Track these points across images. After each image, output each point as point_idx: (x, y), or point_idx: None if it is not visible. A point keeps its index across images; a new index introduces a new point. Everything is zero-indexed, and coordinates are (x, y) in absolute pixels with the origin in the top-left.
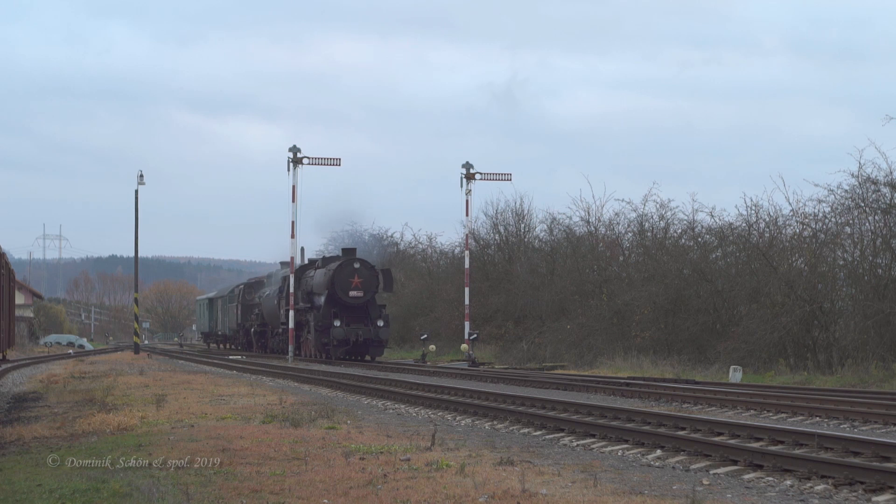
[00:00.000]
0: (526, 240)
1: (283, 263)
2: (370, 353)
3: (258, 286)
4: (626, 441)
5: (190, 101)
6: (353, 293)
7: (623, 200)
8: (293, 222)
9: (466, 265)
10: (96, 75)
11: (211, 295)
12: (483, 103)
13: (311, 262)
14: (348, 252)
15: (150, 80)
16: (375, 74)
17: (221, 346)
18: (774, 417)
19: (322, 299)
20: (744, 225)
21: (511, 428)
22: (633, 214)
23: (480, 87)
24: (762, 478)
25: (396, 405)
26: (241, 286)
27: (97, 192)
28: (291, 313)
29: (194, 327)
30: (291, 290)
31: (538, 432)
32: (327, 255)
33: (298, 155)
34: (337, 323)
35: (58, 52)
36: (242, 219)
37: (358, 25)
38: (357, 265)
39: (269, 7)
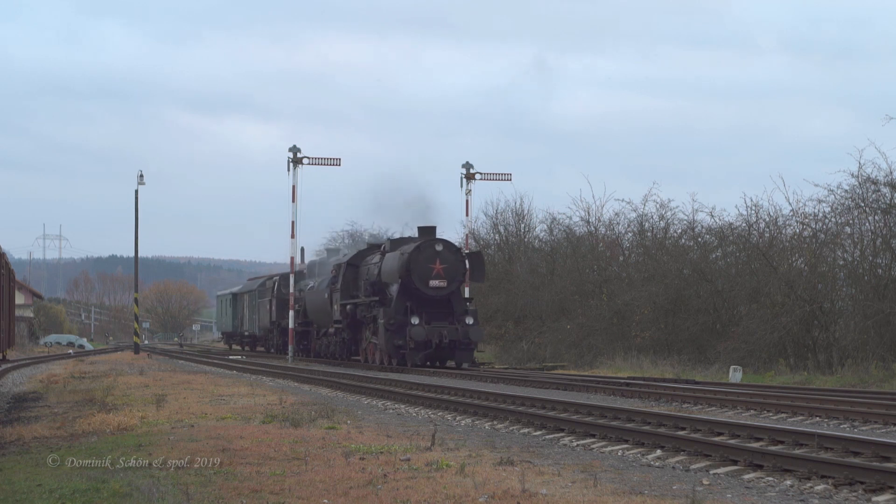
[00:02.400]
0: (526, 240)
1: (329, 250)
2: (456, 359)
3: (298, 277)
4: (626, 441)
5: (187, 100)
6: (434, 283)
7: (623, 200)
8: (293, 222)
9: (467, 265)
10: (92, 75)
11: (235, 290)
12: (482, 103)
13: (372, 245)
14: (426, 231)
15: (146, 79)
16: (373, 74)
17: (247, 348)
18: (774, 417)
19: (394, 291)
20: (744, 225)
21: (511, 428)
22: (633, 214)
23: (479, 87)
24: (762, 478)
25: (396, 405)
26: (276, 278)
27: (97, 192)
28: (291, 313)
29: (195, 327)
30: (291, 290)
31: (538, 432)
32: (396, 237)
33: (298, 155)
34: (415, 320)
35: (53, 51)
36: (242, 219)
37: (355, 25)
38: (439, 247)
39: (265, 7)
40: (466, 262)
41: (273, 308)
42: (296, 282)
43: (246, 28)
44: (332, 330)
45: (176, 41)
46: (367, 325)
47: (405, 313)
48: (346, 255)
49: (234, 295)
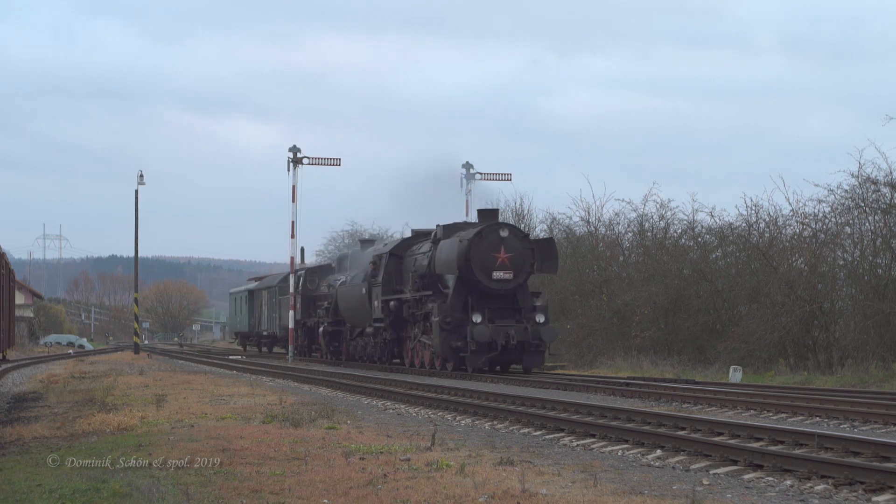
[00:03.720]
0: None
1: (363, 241)
2: (524, 363)
3: (325, 272)
4: (626, 441)
5: (184, 99)
6: (498, 274)
7: (623, 200)
8: (293, 222)
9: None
10: (88, 74)
11: (251, 286)
12: (481, 103)
13: (418, 233)
14: (487, 215)
15: (144, 79)
16: (371, 73)
17: (265, 349)
18: (774, 417)
19: (450, 284)
20: (744, 225)
21: (511, 428)
22: (633, 214)
23: (478, 87)
24: (762, 478)
25: (396, 405)
26: (301, 272)
27: (97, 192)
28: (291, 313)
29: (195, 327)
30: (291, 289)
31: (538, 432)
32: (449, 224)
33: (298, 155)
34: (477, 318)
35: (50, 51)
36: (242, 219)
37: (353, 25)
38: (504, 233)
39: (263, 6)
40: (536, 250)
41: (298, 305)
42: (322, 277)
43: (243, 27)
44: (369, 329)
45: (173, 41)
46: (414, 324)
47: (464, 310)
48: (386, 245)
49: (251, 292)
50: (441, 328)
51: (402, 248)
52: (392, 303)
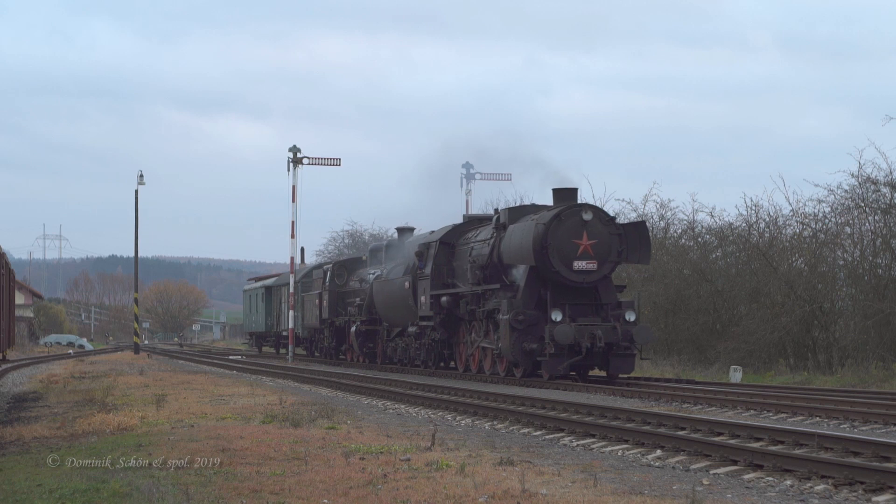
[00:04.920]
0: None
1: (401, 230)
2: (611, 368)
3: (355, 265)
4: (626, 441)
5: (178, 99)
6: (580, 264)
7: (623, 200)
8: (293, 222)
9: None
10: (82, 73)
11: (269, 282)
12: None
13: (470, 218)
14: (564, 195)
15: (137, 78)
16: (365, 72)
17: (284, 350)
18: (774, 417)
19: (520, 276)
20: (744, 225)
21: (511, 428)
22: (633, 214)
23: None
24: (762, 478)
25: (396, 405)
26: (329, 266)
27: (96, 192)
28: (291, 313)
29: (195, 327)
30: (291, 290)
31: (538, 432)
32: (515, 206)
33: (298, 155)
34: (557, 316)
35: (42, 49)
36: (241, 219)
37: (346, 23)
38: (588, 216)
39: (255, 4)
40: (623, 236)
41: (325, 303)
42: (352, 271)
43: (238, 26)
44: (412, 329)
45: (168, 40)
46: (470, 323)
47: (537, 306)
48: (434, 233)
49: (268, 288)
50: (512, 328)
51: (454, 236)
52: (444, 298)
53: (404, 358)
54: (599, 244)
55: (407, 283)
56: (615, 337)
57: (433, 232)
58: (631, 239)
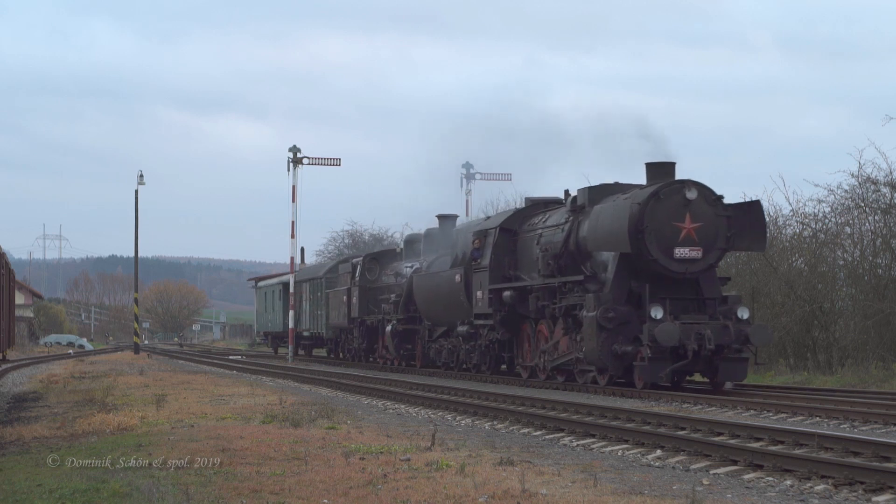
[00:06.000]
0: None
1: (443, 217)
2: (721, 375)
3: (388, 258)
4: (626, 441)
5: (178, 99)
6: (681, 252)
7: None
8: (293, 222)
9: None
10: (82, 73)
11: (286, 278)
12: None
13: (534, 202)
14: (660, 171)
15: (136, 78)
16: (365, 72)
17: (303, 352)
18: (774, 417)
19: (607, 265)
20: None
21: (511, 428)
22: None
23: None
24: (762, 478)
25: (396, 405)
26: (359, 260)
27: (96, 192)
28: (291, 313)
29: (195, 327)
30: (292, 290)
31: (538, 432)
32: (596, 185)
33: (298, 155)
34: (657, 313)
35: (42, 49)
36: (241, 219)
37: (345, 23)
38: (692, 194)
39: (254, 4)
40: (730, 219)
41: (354, 300)
42: (385, 264)
43: (237, 26)
44: (463, 329)
45: (166, 39)
46: (537, 322)
47: (628, 301)
48: (491, 219)
49: (286, 285)
50: (600, 327)
51: (516, 222)
52: (507, 293)
53: (450, 361)
54: (704, 228)
55: (458, 277)
56: (727, 338)
57: (489, 217)
58: (740, 222)
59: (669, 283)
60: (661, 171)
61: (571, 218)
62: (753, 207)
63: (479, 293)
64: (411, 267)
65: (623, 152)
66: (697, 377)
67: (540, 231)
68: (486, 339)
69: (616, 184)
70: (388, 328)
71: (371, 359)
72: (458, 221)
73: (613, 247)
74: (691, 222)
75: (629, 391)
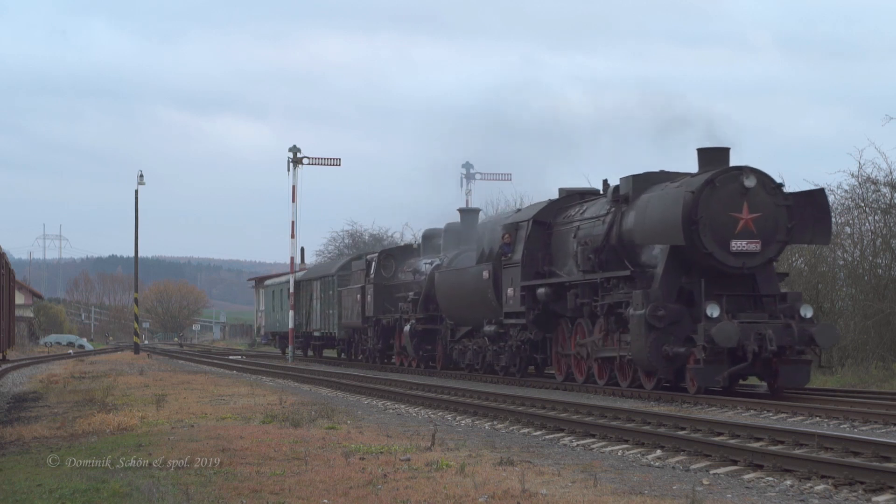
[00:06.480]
0: None
1: (463, 211)
2: (782, 378)
3: (404, 254)
4: (626, 441)
5: (178, 99)
6: (738, 244)
7: None
8: (293, 222)
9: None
10: (82, 73)
11: (297, 275)
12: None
13: (568, 192)
14: (714, 157)
15: (136, 78)
16: (364, 72)
17: (313, 353)
18: (774, 417)
19: (656, 260)
20: None
21: (511, 428)
22: None
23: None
24: (762, 478)
25: (396, 405)
26: (374, 256)
27: (96, 192)
28: (291, 313)
29: (195, 327)
30: (292, 289)
31: (538, 432)
32: (640, 173)
33: (298, 155)
34: (714, 311)
35: (41, 49)
36: (241, 219)
37: (345, 23)
38: (750, 181)
39: (254, 4)
40: (790, 208)
41: (369, 298)
42: (402, 261)
43: (236, 26)
44: (490, 328)
45: (166, 39)
46: (579, 322)
47: (678, 298)
48: (520, 211)
49: (297, 283)
50: (649, 326)
51: (550, 214)
52: (541, 290)
53: (475, 363)
54: (764, 219)
55: (486, 273)
56: (789, 339)
57: (520, 210)
58: (802, 212)
59: (724, 278)
60: (714, 157)
61: (613, 209)
62: (816, 196)
63: (509, 290)
64: (430, 263)
65: (660, 144)
66: (752, 380)
67: (577, 223)
68: (516, 340)
69: (662, 172)
70: (407, 328)
71: (388, 360)
72: (432, 227)
73: (664, 239)
74: (749, 212)
75: (628, 392)
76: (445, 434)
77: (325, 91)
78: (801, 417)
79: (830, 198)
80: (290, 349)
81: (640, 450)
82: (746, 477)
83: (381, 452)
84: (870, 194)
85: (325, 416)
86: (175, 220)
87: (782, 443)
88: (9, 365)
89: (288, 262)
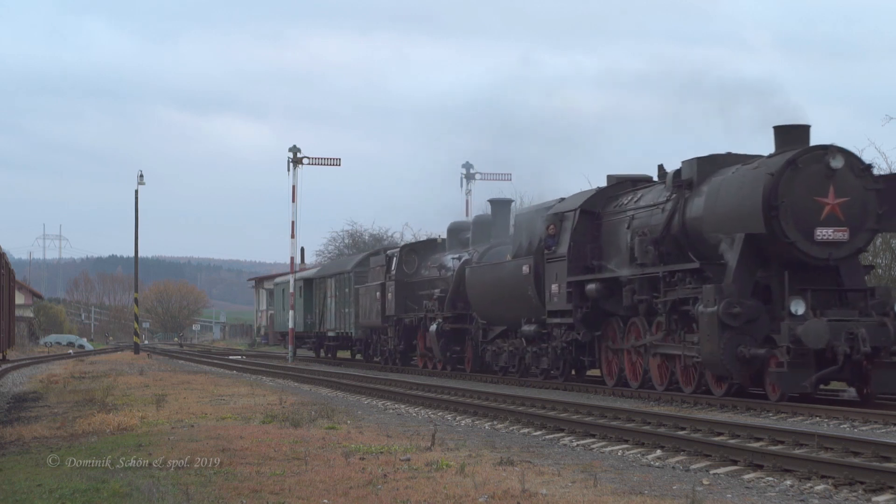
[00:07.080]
0: None
1: (494, 202)
2: (874, 384)
3: (428, 249)
4: (626, 441)
5: (178, 99)
6: (824, 233)
7: None
8: (293, 222)
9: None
10: (82, 73)
11: (308, 273)
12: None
13: (619, 179)
14: (791, 135)
15: (136, 78)
16: (362, 72)
17: (329, 354)
18: (774, 417)
19: (728, 250)
20: None
21: (511, 428)
22: None
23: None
24: (762, 478)
25: (396, 405)
26: (395, 251)
27: (96, 192)
28: (291, 313)
29: (195, 327)
30: (291, 290)
31: (538, 432)
32: (706, 156)
33: (298, 155)
34: (798, 308)
35: (41, 49)
36: (241, 219)
37: (343, 22)
38: (837, 162)
39: (252, 4)
40: (880, 192)
41: (389, 296)
42: (425, 256)
43: (235, 26)
44: (530, 328)
45: (165, 39)
46: (634, 321)
47: (756, 294)
48: (564, 200)
49: (308, 281)
50: (722, 325)
51: (599, 203)
52: (591, 286)
53: (511, 365)
54: (851, 204)
55: (525, 267)
56: (885, 339)
57: (563, 199)
58: (892, 197)
59: (805, 271)
60: (793, 136)
61: (675, 195)
62: None
63: (553, 286)
64: (458, 258)
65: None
66: (833, 385)
67: (631, 212)
68: (561, 341)
69: (729, 154)
70: (433, 327)
71: (411, 362)
72: (459, 220)
73: (742, 226)
74: (836, 197)
75: (628, 392)
76: (445, 434)
77: (325, 91)
78: (801, 417)
79: None
80: (290, 349)
81: (640, 450)
82: (746, 477)
83: (381, 452)
84: None
85: (325, 416)
86: (175, 220)
87: (782, 443)
88: (9, 365)
89: (288, 262)
